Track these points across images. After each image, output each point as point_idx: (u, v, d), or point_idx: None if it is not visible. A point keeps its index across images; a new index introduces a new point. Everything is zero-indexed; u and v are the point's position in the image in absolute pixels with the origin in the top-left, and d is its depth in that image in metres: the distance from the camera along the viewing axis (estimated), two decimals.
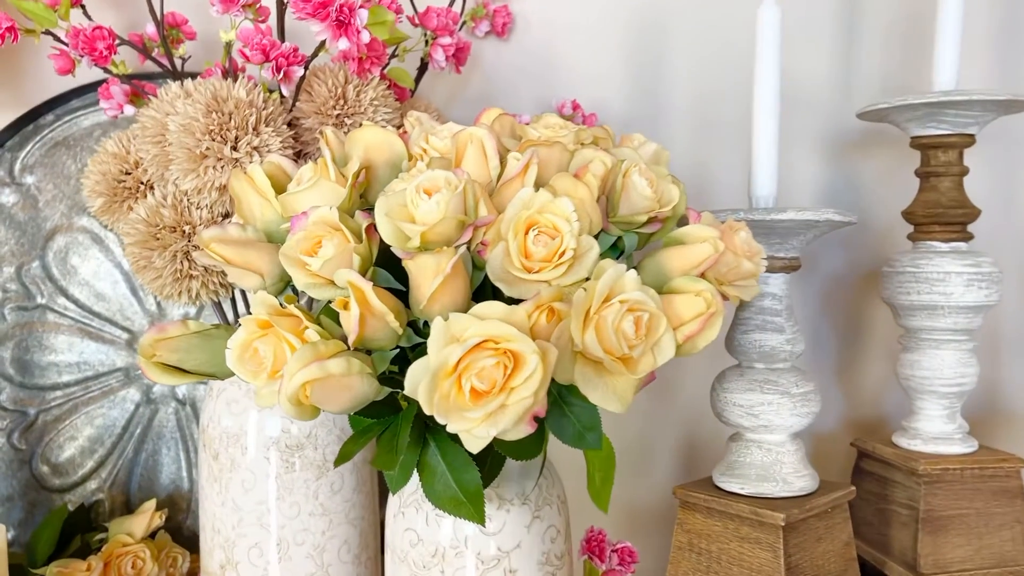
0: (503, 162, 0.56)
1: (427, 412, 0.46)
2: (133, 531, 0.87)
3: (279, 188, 0.58)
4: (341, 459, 0.55)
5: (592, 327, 0.48)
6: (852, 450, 0.91)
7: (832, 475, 0.90)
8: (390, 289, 0.52)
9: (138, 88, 0.80)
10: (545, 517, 0.63)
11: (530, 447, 0.58)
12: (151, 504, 0.89)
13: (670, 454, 1.01)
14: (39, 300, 0.96)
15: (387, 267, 0.54)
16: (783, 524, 0.66)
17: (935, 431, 0.81)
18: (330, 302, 0.51)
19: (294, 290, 0.57)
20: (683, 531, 0.73)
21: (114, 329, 0.97)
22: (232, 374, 0.52)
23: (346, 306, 0.47)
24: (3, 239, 0.95)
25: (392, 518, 0.63)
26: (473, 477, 0.55)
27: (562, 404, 0.57)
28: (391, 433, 0.54)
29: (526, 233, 0.50)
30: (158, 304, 0.97)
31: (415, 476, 0.57)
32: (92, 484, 0.96)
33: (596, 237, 0.54)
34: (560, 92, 0.95)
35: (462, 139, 0.56)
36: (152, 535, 0.89)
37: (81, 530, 0.93)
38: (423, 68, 0.85)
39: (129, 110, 0.81)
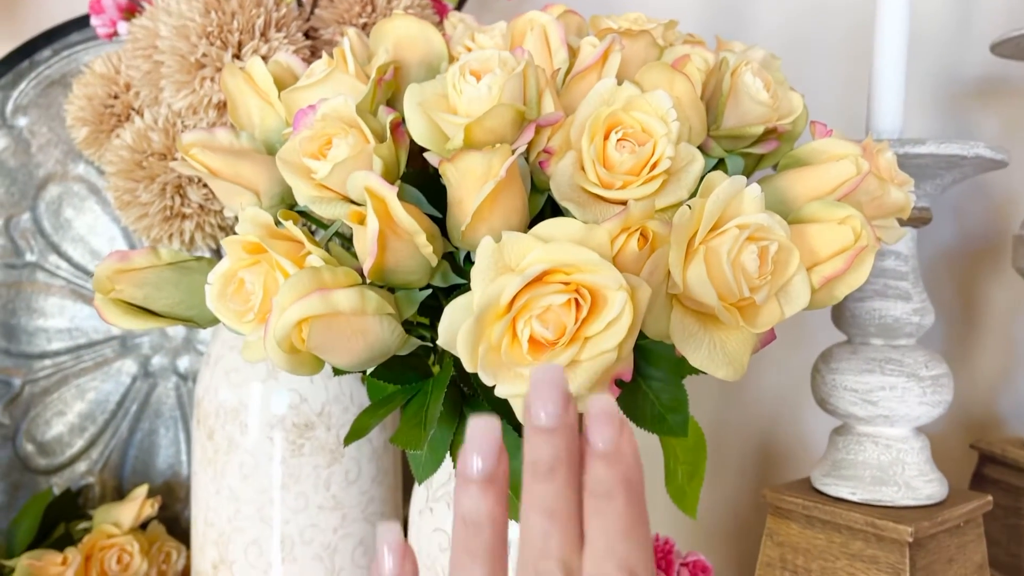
0: (572, 57, 0.43)
1: (469, 368, 0.33)
2: (120, 521, 0.76)
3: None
4: (354, 435, 0.42)
5: (699, 260, 0.34)
6: (968, 454, 0.77)
7: None
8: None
9: (136, 2, 0.68)
10: None
11: None
12: (142, 491, 0.77)
13: (743, 448, 0.87)
14: (28, 257, 0.85)
15: (420, 189, 0.41)
16: (910, 540, 0.52)
17: None
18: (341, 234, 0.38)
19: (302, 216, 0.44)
20: (774, 544, 0.59)
21: None
22: (216, 320, 0.40)
23: (362, 221, 0.34)
24: None
25: (418, 515, 0.51)
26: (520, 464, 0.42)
27: (637, 376, 0.44)
28: (419, 403, 0.41)
29: (606, 137, 0.37)
30: None
31: (447, 461, 0.44)
32: (81, 466, 0.85)
33: None
34: (625, 8, 0.82)
35: (520, 26, 0.43)
36: (143, 526, 0.78)
37: (66, 517, 0.82)
38: None
39: (124, 28, 0.69)
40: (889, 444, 0.56)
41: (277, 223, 0.37)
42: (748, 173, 0.46)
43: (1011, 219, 0.85)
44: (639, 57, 0.43)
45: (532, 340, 0.33)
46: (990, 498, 0.58)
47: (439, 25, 0.63)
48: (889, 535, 0.53)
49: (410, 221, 0.34)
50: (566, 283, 0.33)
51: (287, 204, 0.42)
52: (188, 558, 0.78)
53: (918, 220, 0.56)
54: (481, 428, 0.25)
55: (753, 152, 0.44)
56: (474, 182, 0.35)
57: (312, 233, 0.44)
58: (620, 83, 0.39)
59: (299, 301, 0.32)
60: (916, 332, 0.57)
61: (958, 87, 0.84)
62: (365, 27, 0.59)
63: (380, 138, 0.38)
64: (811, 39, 0.84)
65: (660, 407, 0.45)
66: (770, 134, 0.43)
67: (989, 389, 0.85)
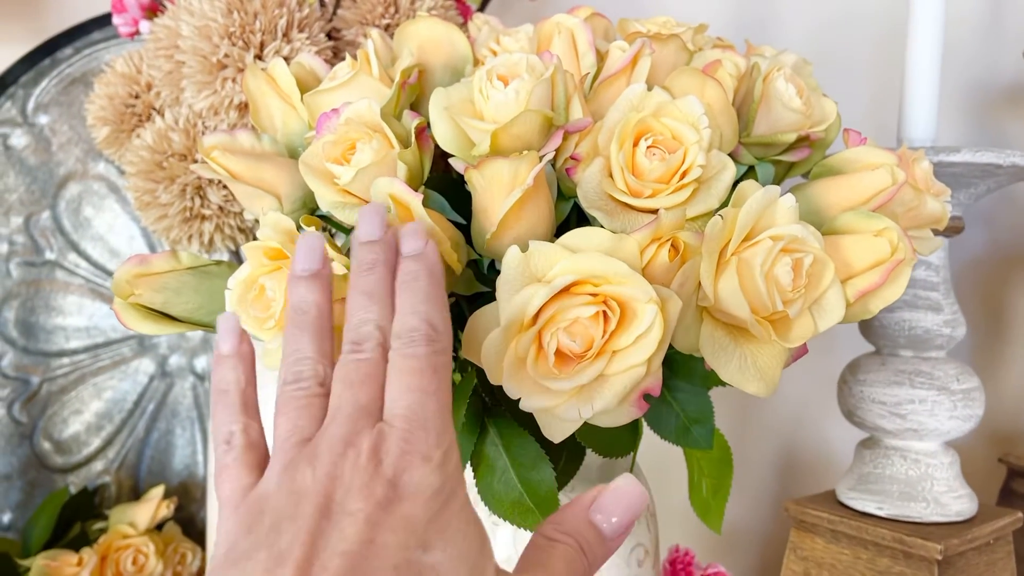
0: (600, 61, 0.42)
1: (493, 381, 0.32)
2: (136, 521, 0.75)
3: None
4: None
5: (732, 271, 0.33)
6: (996, 466, 0.75)
7: None
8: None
9: (159, 1, 0.68)
10: (632, 533, 0.49)
11: (623, 439, 0.44)
12: (158, 491, 0.77)
13: (766, 456, 0.86)
14: (48, 255, 0.85)
15: (444, 195, 0.40)
16: (939, 558, 0.50)
17: None
18: None
19: (324, 221, 0.43)
20: (798, 558, 0.58)
21: None
22: None
23: None
24: (12, 186, 0.84)
25: None
26: (545, 476, 0.42)
27: (662, 387, 0.43)
28: None
29: (635, 144, 0.36)
30: None
31: (468, 471, 0.44)
32: (98, 465, 0.85)
33: None
34: (653, 13, 0.81)
35: (547, 30, 0.42)
36: (159, 527, 0.77)
37: (82, 517, 0.82)
38: None
39: (146, 27, 0.68)
40: (918, 459, 0.55)
41: (299, 228, 0.37)
42: (779, 181, 0.45)
43: None
44: (668, 62, 0.43)
45: (559, 353, 0.32)
46: (1020, 515, 0.57)
47: (463, 27, 0.62)
48: (917, 552, 0.52)
49: (435, 228, 0.33)
50: (594, 295, 0.32)
51: (309, 208, 0.42)
52: (203, 559, 0.77)
53: (951, 230, 0.55)
54: (303, 243, 0.31)
55: (784, 160, 0.43)
56: (500, 189, 0.34)
57: (334, 238, 0.43)
58: (650, 88, 0.38)
59: None
60: (947, 344, 0.56)
61: (990, 94, 0.83)
62: (388, 28, 0.59)
63: (404, 143, 0.37)
64: (838, 46, 0.83)
65: (685, 419, 0.44)
66: (802, 142, 0.42)
67: (1018, 400, 0.84)
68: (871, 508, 0.55)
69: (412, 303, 0.29)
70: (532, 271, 0.32)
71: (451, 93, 0.37)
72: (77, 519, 0.81)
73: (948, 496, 0.54)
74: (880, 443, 0.57)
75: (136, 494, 0.84)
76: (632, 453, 0.45)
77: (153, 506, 0.76)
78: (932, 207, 0.40)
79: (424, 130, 0.38)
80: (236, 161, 0.40)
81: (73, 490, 0.83)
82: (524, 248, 0.33)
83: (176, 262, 0.40)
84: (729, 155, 0.41)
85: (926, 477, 0.55)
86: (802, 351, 0.37)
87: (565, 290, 0.32)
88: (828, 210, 0.40)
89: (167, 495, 0.79)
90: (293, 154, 0.44)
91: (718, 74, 0.39)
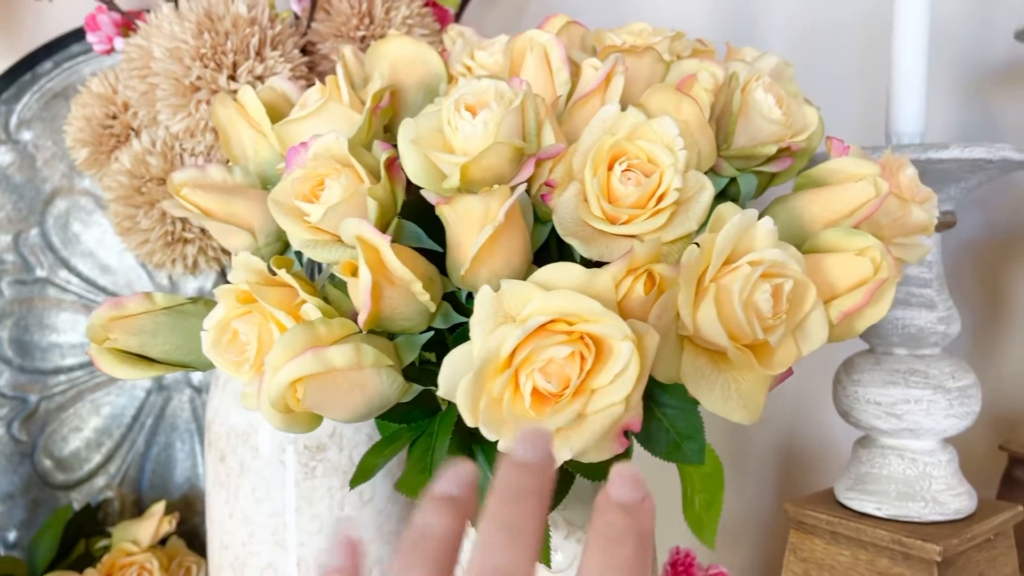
0: (575, 77, 0.41)
1: (469, 423, 0.31)
2: (139, 538, 0.75)
3: (280, 119, 0.44)
4: (360, 477, 0.41)
5: (710, 300, 0.33)
6: (998, 455, 0.74)
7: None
8: (422, 251, 0.38)
9: (132, 19, 0.67)
10: None
11: (610, 464, 0.43)
12: (160, 507, 0.77)
13: (766, 451, 0.85)
14: (39, 272, 0.85)
15: (419, 221, 0.40)
16: (939, 559, 0.50)
17: None
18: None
19: (298, 255, 0.43)
20: (797, 559, 0.58)
21: None
22: (214, 364, 0.39)
23: (355, 272, 0.33)
24: None
25: None
26: None
27: (651, 404, 0.43)
28: (424, 445, 0.40)
29: (610, 168, 0.36)
30: (170, 276, 0.84)
31: None
32: (100, 480, 0.85)
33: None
34: (633, 15, 0.80)
35: (519, 47, 0.41)
36: (163, 541, 0.78)
37: (86, 533, 0.82)
38: None
39: (121, 44, 0.67)
40: (915, 458, 0.54)
41: (270, 270, 0.36)
42: (762, 189, 0.44)
43: None
44: (644, 75, 0.42)
45: (536, 393, 0.31)
46: (1020, 508, 0.57)
47: (440, 32, 0.61)
48: (917, 553, 0.51)
49: (404, 271, 0.32)
50: (570, 333, 0.31)
51: (284, 241, 0.41)
52: (207, 572, 0.78)
53: (943, 225, 0.54)
54: (450, 470, 0.25)
55: (766, 170, 0.42)
56: (472, 225, 0.33)
57: (312, 272, 0.43)
58: (624, 108, 0.38)
59: (292, 361, 0.31)
60: (941, 341, 0.55)
61: (983, 75, 0.81)
62: (364, 39, 0.58)
63: (375, 175, 0.37)
64: (826, 41, 0.81)
65: (676, 435, 0.44)
66: (783, 152, 0.41)
67: (1018, 383, 0.83)
68: (869, 508, 0.55)
69: (606, 570, 0.24)
70: (505, 310, 0.32)
71: (420, 124, 0.36)
72: (82, 536, 0.81)
73: (947, 494, 0.54)
74: (876, 442, 0.56)
75: (139, 508, 0.84)
76: None
77: (155, 522, 0.76)
78: (917, 216, 0.39)
79: (395, 161, 0.37)
80: (207, 197, 0.40)
81: (76, 507, 0.83)
82: (497, 286, 0.32)
83: (151, 303, 0.39)
84: (711, 168, 0.40)
85: (924, 476, 0.54)
86: (787, 373, 0.36)
87: (540, 329, 0.31)
88: (811, 224, 0.39)
89: (170, 508, 0.79)
90: (266, 184, 0.43)
91: (694, 90, 0.38)
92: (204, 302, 0.40)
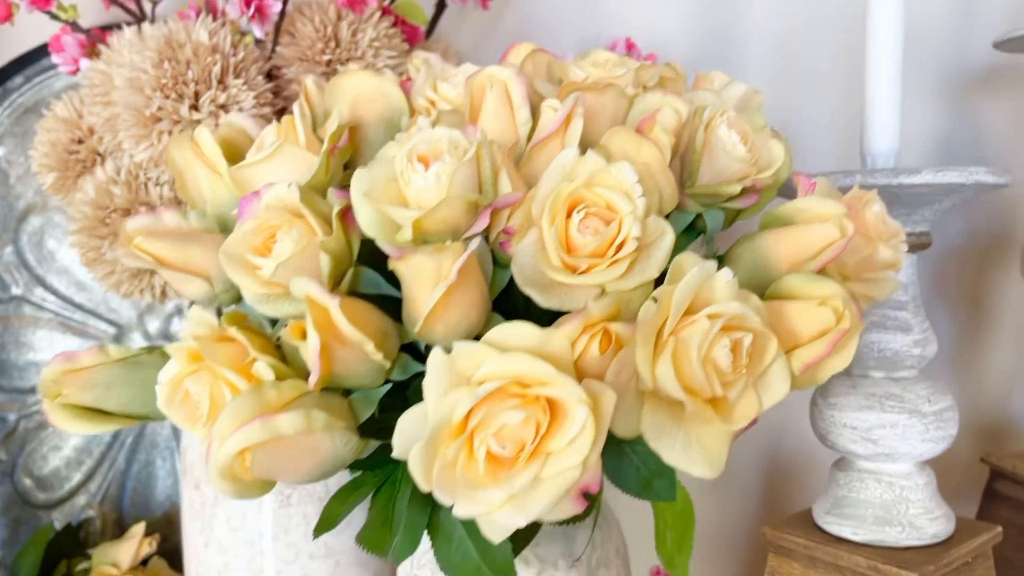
0: (536, 115, 0.40)
1: (423, 488, 0.31)
2: (119, 560, 0.75)
3: (240, 158, 0.43)
4: (323, 525, 0.41)
5: (668, 355, 0.32)
6: (979, 467, 0.74)
7: (950, 498, 0.72)
8: (381, 298, 0.37)
9: (96, 39, 0.66)
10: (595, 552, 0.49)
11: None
12: (139, 528, 0.77)
13: (748, 470, 0.85)
14: (14, 291, 0.84)
15: (379, 266, 0.39)
16: None
17: None
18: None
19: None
20: None
21: (98, 323, 0.84)
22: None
23: (304, 334, 0.32)
24: None
25: None
26: (501, 545, 0.41)
27: (621, 442, 0.42)
28: (387, 494, 0.39)
29: (568, 216, 0.35)
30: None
31: (426, 540, 0.43)
32: (81, 499, 0.84)
33: (668, 217, 0.38)
34: (611, 30, 0.78)
35: (478, 84, 0.40)
36: (144, 562, 0.77)
37: (68, 553, 0.81)
38: (441, 3, 0.69)
39: (87, 65, 0.66)
40: (892, 481, 0.54)
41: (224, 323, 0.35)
42: (729, 223, 0.43)
43: (1020, 213, 0.81)
44: (608, 111, 0.41)
45: (490, 458, 0.31)
46: (999, 529, 0.56)
47: (408, 54, 0.60)
48: None
49: (354, 333, 0.32)
50: (524, 396, 0.30)
51: (239, 290, 0.40)
52: None
53: (917, 246, 0.53)
54: None
55: (731, 207, 0.41)
56: (425, 284, 0.32)
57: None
58: (588, 146, 0.37)
59: (239, 430, 0.30)
60: (918, 364, 0.54)
61: (963, 79, 0.80)
62: (330, 63, 0.57)
63: (328, 227, 0.36)
64: (804, 52, 0.80)
65: (647, 472, 0.43)
66: (749, 189, 0.40)
67: (1000, 391, 0.83)
68: (847, 533, 0.54)
69: None
70: (458, 372, 0.31)
71: (373, 173, 0.35)
72: (63, 556, 0.81)
73: (924, 518, 0.53)
74: (854, 465, 0.56)
75: (121, 527, 0.84)
76: (595, 512, 0.45)
77: (135, 544, 0.76)
78: (884, 254, 0.38)
79: (348, 211, 0.36)
80: (161, 245, 0.39)
81: (58, 526, 0.83)
82: (449, 347, 0.31)
83: (104, 356, 0.38)
84: (676, 206, 0.40)
85: (901, 500, 0.54)
86: (751, 424, 0.35)
87: (494, 393, 0.30)
88: (777, 264, 0.38)
89: (151, 526, 0.79)
90: (224, 227, 0.42)
91: (653, 133, 0.37)
92: (159, 353, 0.39)
